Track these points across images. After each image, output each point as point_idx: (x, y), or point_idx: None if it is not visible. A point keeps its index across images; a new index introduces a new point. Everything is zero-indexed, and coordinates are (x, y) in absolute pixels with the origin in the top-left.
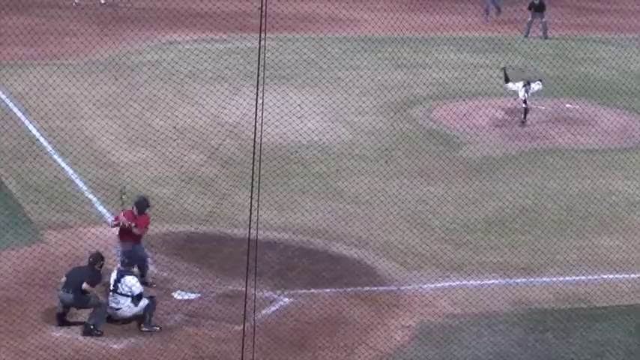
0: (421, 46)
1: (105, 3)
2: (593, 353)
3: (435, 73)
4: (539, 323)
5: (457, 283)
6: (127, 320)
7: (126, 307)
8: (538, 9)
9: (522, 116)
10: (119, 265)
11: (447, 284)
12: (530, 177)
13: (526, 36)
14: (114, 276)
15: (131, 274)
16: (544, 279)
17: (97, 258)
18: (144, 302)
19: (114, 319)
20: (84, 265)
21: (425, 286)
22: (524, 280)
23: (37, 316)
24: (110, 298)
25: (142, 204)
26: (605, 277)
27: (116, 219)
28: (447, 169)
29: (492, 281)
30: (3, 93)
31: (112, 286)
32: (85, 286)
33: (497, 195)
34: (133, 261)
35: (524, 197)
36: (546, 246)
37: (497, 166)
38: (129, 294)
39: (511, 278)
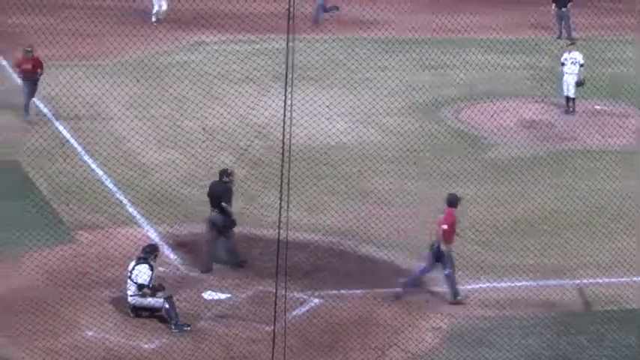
0: (449, 47)
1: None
2: (626, 356)
3: (463, 74)
4: (571, 326)
5: (488, 284)
6: (150, 315)
7: (131, 292)
8: (560, 3)
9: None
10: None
11: (477, 286)
12: (559, 178)
13: (559, 37)
14: (132, 263)
15: (146, 263)
16: (575, 281)
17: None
18: (158, 302)
19: (133, 309)
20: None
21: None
22: (555, 282)
23: (69, 315)
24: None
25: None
26: (638, 279)
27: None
28: (475, 170)
29: (523, 283)
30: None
31: (129, 272)
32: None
33: (526, 196)
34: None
35: (554, 199)
36: (577, 248)
37: (526, 168)
38: (135, 280)
39: (542, 280)
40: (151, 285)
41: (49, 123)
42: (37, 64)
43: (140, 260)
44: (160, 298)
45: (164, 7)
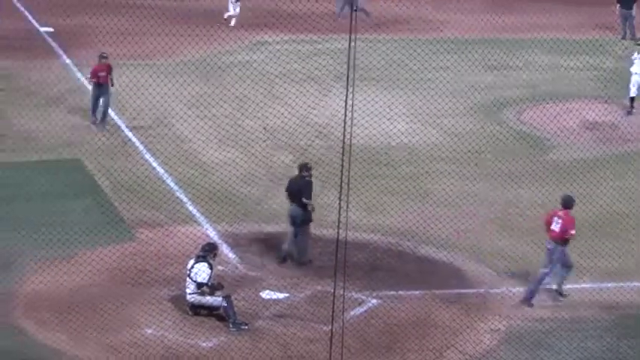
0: (511, 47)
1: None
2: None
3: (526, 74)
4: (631, 329)
5: (547, 286)
6: (209, 314)
7: (191, 290)
8: (626, 5)
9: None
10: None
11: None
12: (622, 180)
13: (623, 37)
14: (191, 261)
15: (205, 261)
16: (636, 284)
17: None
18: (217, 300)
19: (192, 307)
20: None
21: (514, 289)
22: (616, 284)
23: (129, 313)
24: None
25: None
26: None
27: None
28: (537, 171)
29: (583, 285)
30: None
31: (188, 270)
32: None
33: (587, 199)
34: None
35: (616, 201)
36: (638, 250)
37: (588, 170)
38: (194, 279)
39: (602, 282)
40: (209, 283)
41: (112, 121)
42: (109, 71)
43: (199, 259)
44: (219, 296)
45: (237, 10)
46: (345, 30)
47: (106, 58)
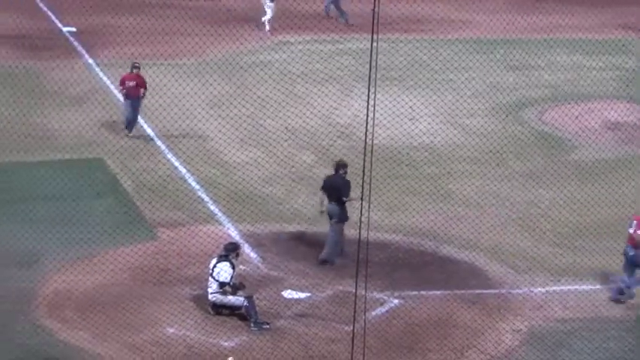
0: (533, 47)
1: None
2: None
3: (548, 75)
4: None
5: (569, 287)
6: (231, 313)
7: (213, 290)
8: None
9: None
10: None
11: (558, 288)
12: None
13: None
14: (214, 260)
15: (227, 261)
16: None
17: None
18: (238, 300)
19: (213, 306)
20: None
21: (536, 289)
22: (638, 285)
23: (151, 312)
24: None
25: None
26: None
27: None
28: (558, 172)
29: (605, 286)
30: (119, 92)
31: (210, 269)
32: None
33: (610, 199)
34: None
35: (638, 201)
36: None
37: (610, 170)
38: (216, 278)
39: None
40: (231, 283)
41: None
42: (141, 83)
43: (222, 258)
44: (241, 296)
45: (270, 12)
46: (366, 30)
47: (137, 68)
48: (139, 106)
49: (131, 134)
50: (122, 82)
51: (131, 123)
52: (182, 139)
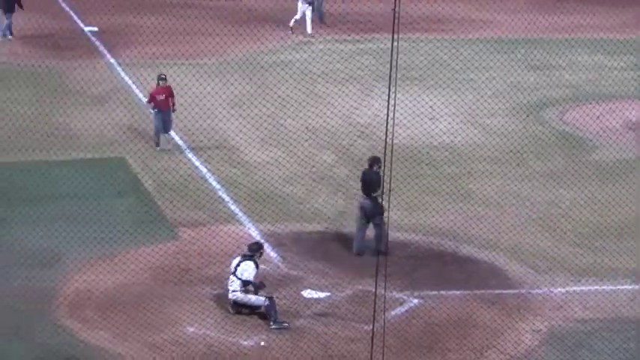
0: (555, 47)
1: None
2: None
3: (569, 75)
4: None
5: (589, 287)
6: (251, 312)
7: (234, 288)
8: None
9: None
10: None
11: (578, 288)
12: None
13: None
14: (237, 259)
15: (251, 260)
16: None
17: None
18: (260, 300)
19: (234, 305)
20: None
21: (556, 290)
22: None
23: (171, 311)
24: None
25: None
26: None
27: None
28: (579, 172)
29: (625, 287)
30: (141, 92)
31: (233, 268)
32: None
33: (630, 199)
34: None
35: None
36: None
37: (631, 170)
38: (239, 276)
39: None
40: (254, 282)
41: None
42: (170, 94)
43: (246, 257)
44: (262, 296)
45: (309, 13)
46: (386, 30)
47: (164, 79)
48: (171, 118)
49: (161, 147)
50: (152, 98)
51: (158, 136)
52: (203, 138)
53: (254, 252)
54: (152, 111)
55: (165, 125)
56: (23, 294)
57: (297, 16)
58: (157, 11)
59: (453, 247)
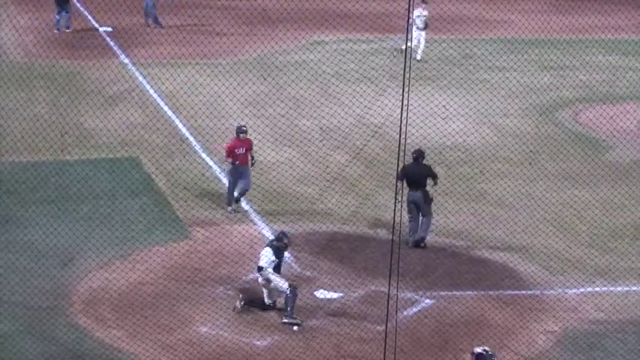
0: (569, 47)
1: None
2: None
3: (583, 75)
4: None
5: (603, 289)
6: (262, 309)
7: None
8: None
9: None
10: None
11: (592, 290)
12: None
13: None
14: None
15: (272, 247)
16: None
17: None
18: (284, 285)
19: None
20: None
21: (569, 291)
22: None
23: (185, 311)
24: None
25: None
26: None
27: None
28: (593, 172)
29: (639, 288)
30: (155, 92)
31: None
32: None
33: None
34: None
35: None
36: None
37: None
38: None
39: None
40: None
41: (169, 120)
42: (249, 147)
43: (272, 244)
44: (287, 282)
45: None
46: (400, 30)
47: (244, 132)
48: (250, 175)
49: (233, 205)
50: (230, 152)
51: (241, 194)
52: (217, 138)
53: (277, 240)
54: (227, 165)
55: (242, 183)
56: (39, 292)
57: (414, 44)
58: (171, 11)
59: (466, 248)
